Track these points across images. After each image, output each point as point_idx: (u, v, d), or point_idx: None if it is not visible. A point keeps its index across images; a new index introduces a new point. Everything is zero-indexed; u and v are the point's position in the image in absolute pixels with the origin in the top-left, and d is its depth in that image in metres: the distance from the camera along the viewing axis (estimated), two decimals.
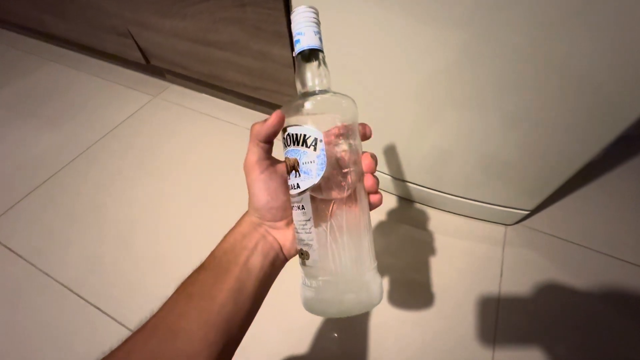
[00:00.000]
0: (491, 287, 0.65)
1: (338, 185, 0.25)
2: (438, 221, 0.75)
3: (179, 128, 0.99)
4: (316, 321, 0.61)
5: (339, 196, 0.25)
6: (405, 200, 0.80)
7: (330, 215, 0.25)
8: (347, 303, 0.25)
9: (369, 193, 0.27)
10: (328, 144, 0.25)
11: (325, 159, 0.25)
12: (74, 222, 0.77)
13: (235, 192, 0.79)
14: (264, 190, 0.27)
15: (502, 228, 0.73)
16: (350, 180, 0.25)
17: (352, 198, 0.25)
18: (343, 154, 0.25)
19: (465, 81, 0.50)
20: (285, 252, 0.29)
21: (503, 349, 0.57)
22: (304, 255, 0.26)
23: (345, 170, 0.25)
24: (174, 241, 0.72)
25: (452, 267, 0.68)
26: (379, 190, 0.28)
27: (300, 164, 0.25)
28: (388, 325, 0.61)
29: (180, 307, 0.23)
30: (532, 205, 0.66)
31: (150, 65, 1.05)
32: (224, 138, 0.96)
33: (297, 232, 0.26)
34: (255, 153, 0.27)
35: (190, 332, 0.22)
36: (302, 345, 0.58)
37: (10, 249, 0.72)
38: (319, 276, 0.26)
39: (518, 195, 0.66)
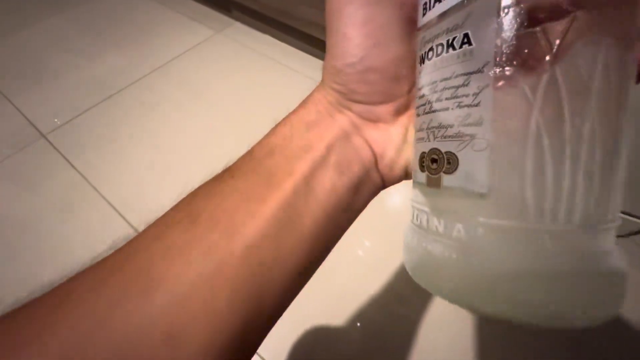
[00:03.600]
0: None
1: None
2: None
3: (237, 67, 0.93)
4: (335, 307, 0.54)
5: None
6: None
7: (554, 57, 0.10)
8: (554, 294, 0.11)
9: None
10: None
11: None
12: (127, 143, 0.76)
13: None
14: (361, 22, 0.12)
15: None
16: None
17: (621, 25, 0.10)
18: None
19: None
20: (381, 168, 0.14)
21: None
22: (438, 165, 0.12)
23: None
24: None
25: None
26: None
27: None
28: (437, 321, 0.53)
29: (173, 237, 0.12)
30: None
31: None
32: (281, 83, 0.89)
33: (432, 111, 0.12)
34: None
35: (182, 286, 0.11)
36: (318, 331, 0.52)
37: (66, 159, 0.73)
38: (489, 215, 0.11)
39: (636, 198, 0.52)
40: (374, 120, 0.14)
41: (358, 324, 0.54)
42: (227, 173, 0.14)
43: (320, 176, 0.13)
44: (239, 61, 0.95)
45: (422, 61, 0.12)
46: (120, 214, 0.65)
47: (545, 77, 0.10)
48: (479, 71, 0.10)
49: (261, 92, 0.86)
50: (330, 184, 0.13)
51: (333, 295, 0.55)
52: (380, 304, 0.55)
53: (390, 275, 0.57)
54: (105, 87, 0.88)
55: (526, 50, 0.10)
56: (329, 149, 0.14)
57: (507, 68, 0.10)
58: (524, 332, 0.51)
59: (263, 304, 0.12)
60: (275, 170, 0.13)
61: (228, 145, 0.75)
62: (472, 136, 0.11)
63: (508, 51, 0.10)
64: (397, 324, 0.53)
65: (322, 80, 0.15)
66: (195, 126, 0.79)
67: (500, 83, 0.10)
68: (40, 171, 0.71)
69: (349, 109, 0.14)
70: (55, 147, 0.75)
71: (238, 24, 1.07)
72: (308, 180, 0.13)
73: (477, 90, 0.10)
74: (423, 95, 0.13)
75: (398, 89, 0.14)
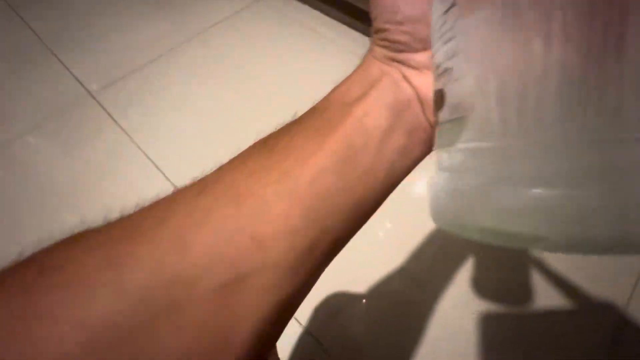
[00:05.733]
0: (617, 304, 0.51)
1: None
2: None
3: (275, 35, 0.93)
4: (346, 281, 0.54)
5: None
6: None
7: None
8: (558, 207, 0.09)
9: None
10: None
11: None
12: (166, 106, 0.80)
13: None
14: None
15: None
16: None
17: None
18: None
19: None
20: (428, 113, 0.15)
21: None
22: (439, 99, 0.13)
23: None
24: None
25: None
26: None
27: None
28: (446, 311, 0.52)
29: (254, 162, 0.14)
30: None
31: None
32: (318, 53, 0.88)
33: (433, 48, 0.13)
34: None
35: (264, 202, 0.13)
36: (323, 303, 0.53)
37: (112, 118, 0.78)
38: (480, 137, 0.11)
39: None
40: (419, 67, 0.15)
41: (364, 301, 0.54)
42: (296, 120, 0.16)
43: (374, 116, 0.15)
44: (277, 30, 0.95)
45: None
46: (161, 172, 0.69)
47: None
48: (453, 5, 0.11)
49: (298, 61, 0.86)
50: (385, 122, 0.15)
51: (346, 271, 0.56)
52: (391, 285, 0.55)
53: (407, 259, 0.56)
54: (151, 50, 0.91)
55: None
56: (380, 94, 0.15)
57: None
58: (529, 326, 0.50)
59: (328, 229, 0.14)
60: (335, 114, 0.15)
61: (263, 111, 0.76)
62: (451, 69, 0.11)
63: None
64: (404, 308, 0.53)
65: (371, 45, 0.17)
66: (233, 92, 0.81)
67: (469, 12, 0.11)
68: (87, 129, 0.77)
69: (395, 60, 0.16)
70: (102, 106, 0.79)
71: None
72: (363, 120, 0.15)
73: (452, 24, 0.11)
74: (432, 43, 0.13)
75: None
